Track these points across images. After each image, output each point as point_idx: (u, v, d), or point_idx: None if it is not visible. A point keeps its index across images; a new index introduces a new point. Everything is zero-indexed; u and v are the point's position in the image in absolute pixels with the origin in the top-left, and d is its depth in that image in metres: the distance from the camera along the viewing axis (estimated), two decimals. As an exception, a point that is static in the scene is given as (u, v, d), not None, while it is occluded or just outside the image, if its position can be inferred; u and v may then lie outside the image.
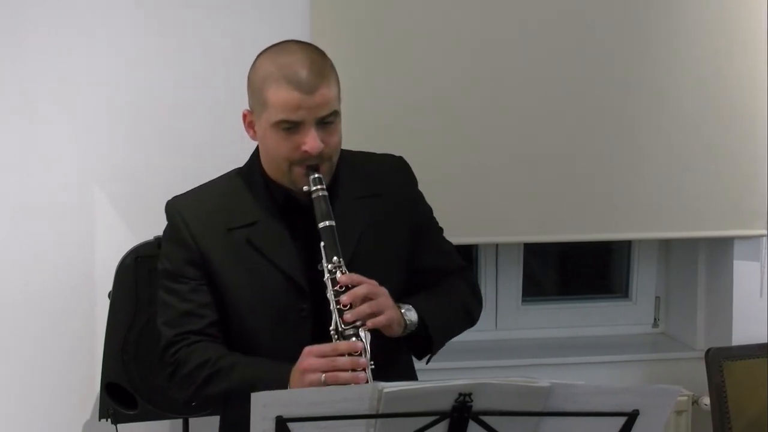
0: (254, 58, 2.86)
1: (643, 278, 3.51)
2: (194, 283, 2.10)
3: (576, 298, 3.56)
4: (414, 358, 2.27)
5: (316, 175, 2.02)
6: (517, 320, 3.42)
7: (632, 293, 3.53)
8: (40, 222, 2.84)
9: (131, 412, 2.68)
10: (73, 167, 2.85)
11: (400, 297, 2.09)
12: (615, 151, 3.05)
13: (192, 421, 2.78)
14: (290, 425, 1.63)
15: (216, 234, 2.09)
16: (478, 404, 1.66)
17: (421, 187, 2.29)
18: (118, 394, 2.67)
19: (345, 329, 1.94)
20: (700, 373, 3.02)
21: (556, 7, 2.98)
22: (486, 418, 1.68)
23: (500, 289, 3.39)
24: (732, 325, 3.21)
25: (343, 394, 1.68)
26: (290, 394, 1.71)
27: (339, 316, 1.94)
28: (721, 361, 2.98)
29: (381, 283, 2.01)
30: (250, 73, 2.10)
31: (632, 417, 1.73)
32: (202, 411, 2.70)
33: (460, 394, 1.65)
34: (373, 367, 1.92)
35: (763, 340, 3.11)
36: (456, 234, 2.37)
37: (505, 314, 3.42)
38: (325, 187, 2.03)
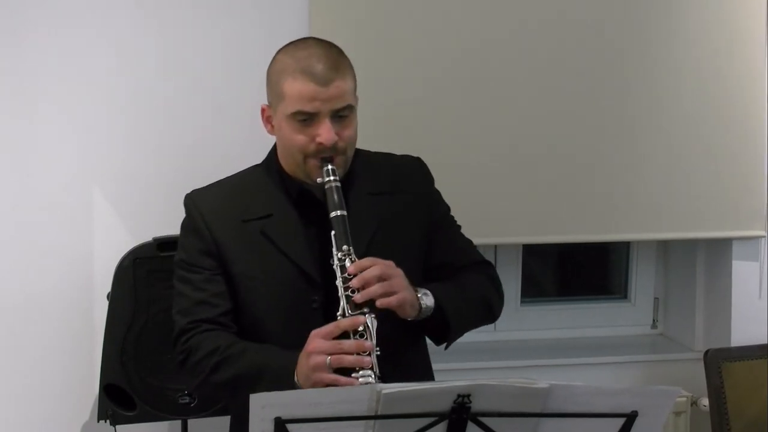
0: (254, 58, 2.89)
1: (642, 279, 3.51)
2: (208, 273, 2.14)
3: (575, 299, 3.56)
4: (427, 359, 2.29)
5: (330, 167, 2.06)
6: (516, 321, 3.42)
7: (631, 294, 3.53)
8: (40, 222, 2.84)
9: (130, 414, 2.68)
10: (72, 168, 2.85)
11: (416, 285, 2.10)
12: (614, 152, 3.05)
13: (191, 422, 2.78)
14: (289, 426, 1.63)
15: (231, 225, 2.13)
16: (476, 405, 1.66)
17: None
18: (116, 396, 2.67)
19: (352, 315, 1.96)
20: (698, 374, 3.02)
21: (555, 8, 2.98)
22: (485, 419, 1.68)
23: (499, 290, 3.39)
24: (731, 326, 3.22)
25: (342, 395, 1.68)
26: (289, 395, 1.71)
27: (346, 302, 1.97)
28: (719, 362, 2.98)
29: None
30: (269, 67, 2.14)
31: (631, 418, 1.73)
32: (202, 412, 2.71)
33: (459, 395, 1.65)
34: (378, 353, 1.93)
35: (762, 341, 3.11)
36: (455, 235, 2.36)
37: (504, 315, 3.34)
38: (338, 178, 2.06)
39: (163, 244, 2.67)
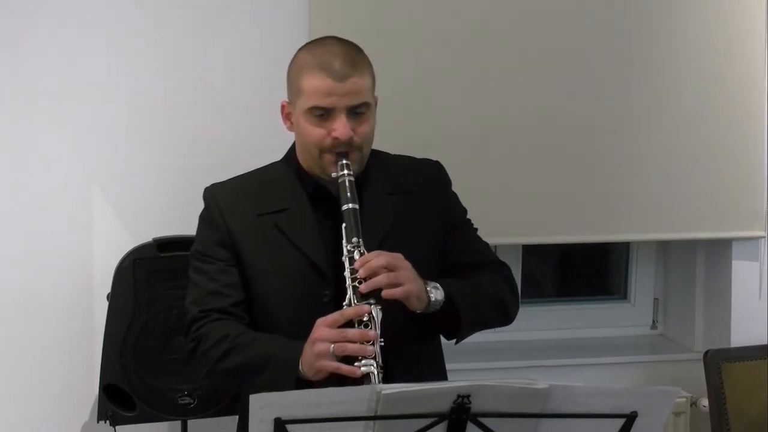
0: (253, 57, 2.90)
1: (642, 280, 3.51)
2: (222, 263, 2.17)
3: (574, 299, 3.56)
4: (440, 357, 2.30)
5: (344, 161, 2.09)
6: (516, 321, 3.39)
7: (631, 295, 3.53)
8: (40, 223, 2.84)
9: (130, 414, 2.68)
10: (72, 168, 2.85)
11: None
12: (613, 153, 3.05)
13: (191, 422, 2.78)
14: (289, 427, 1.63)
15: (247, 218, 2.17)
16: (476, 406, 1.66)
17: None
18: (116, 396, 2.67)
19: (358, 304, 1.98)
20: (698, 374, 3.02)
21: (555, 8, 2.98)
22: (484, 420, 1.68)
23: (499, 291, 3.39)
24: (730, 327, 3.21)
25: (342, 396, 1.68)
26: (289, 395, 1.71)
27: (353, 293, 1.99)
28: (719, 362, 2.98)
29: None
30: (289, 64, 2.19)
31: (631, 418, 1.73)
32: (202, 412, 2.71)
33: (459, 396, 1.65)
34: (382, 343, 1.95)
35: (762, 342, 3.11)
36: (455, 235, 2.36)
37: (504, 315, 3.41)
38: (352, 173, 2.09)
39: (163, 244, 2.68)
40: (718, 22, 3.06)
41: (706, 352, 3.01)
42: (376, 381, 1.91)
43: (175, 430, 2.87)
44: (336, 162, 2.10)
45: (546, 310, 3.48)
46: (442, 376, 2.27)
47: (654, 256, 3.50)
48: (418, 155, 2.35)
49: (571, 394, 1.70)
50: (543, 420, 1.71)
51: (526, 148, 3.00)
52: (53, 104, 2.82)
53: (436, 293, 2.08)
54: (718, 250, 3.27)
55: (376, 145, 2.26)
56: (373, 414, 1.64)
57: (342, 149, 2.09)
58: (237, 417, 2.30)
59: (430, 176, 2.31)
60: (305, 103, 2.10)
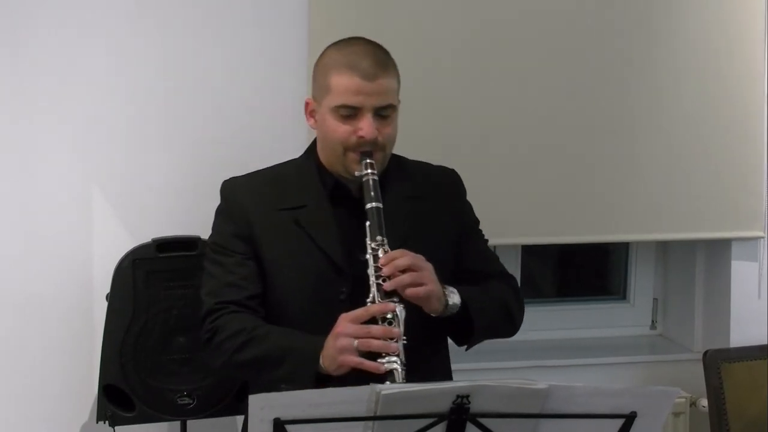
0: (253, 57, 2.90)
1: (641, 280, 3.51)
2: (239, 256, 2.17)
3: (574, 299, 3.56)
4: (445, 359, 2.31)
5: (369, 161, 2.10)
6: (516, 321, 3.42)
7: (630, 295, 3.53)
8: (39, 223, 2.84)
9: (129, 415, 2.68)
10: (72, 168, 2.85)
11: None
12: (613, 153, 3.05)
13: (190, 423, 2.78)
14: (288, 427, 1.63)
15: (266, 212, 2.18)
16: (475, 406, 1.66)
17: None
18: (115, 397, 2.67)
19: (382, 302, 1.98)
20: (698, 374, 3.02)
21: (555, 8, 2.98)
22: (484, 420, 1.68)
23: (498, 291, 3.39)
24: (730, 327, 3.22)
25: (342, 396, 1.67)
26: (288, 395, 1.71)
27: (377, 290, 2.00)
28: (719, 362, 2.98)
29: None
30: (316, 61, 2.20)
31: (630, 419, 1.73)
32: (201, 413, 2.71)
33: (458, 396, 1.65)
34: (405, 342, 1.96)
35: (761, 342, 3.11)
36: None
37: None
38: (376, 171, 2.10)
39: (162, 245, 2.68)
40: (718, 22, 3.06)
41: (706, 352, 3.01)
42: (400, 378, 1.91)
43: (175, 430, 2.87)
44: (360, 161, 2.11)
45: (545, 310, 3.48)
46: (448, 377, 2.28)
47: (653, 256, 3.50)
48: (418, 155, 2.35)
49: (571, 394, 1.70)
50: (542, 420, 1.71)
51: (526, 148, 3.00)
52: (53, 104, 2.82)
53: (453, 297, 2.10)
54: (718, 251, 3.27)
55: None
56: (372, 414, 1.64)
57: (367, 148, 2.11)
58: (236, 417, 2.31)
59: (447, 184, 2.33)
60: (333, 100, 2.11)
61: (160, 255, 2.67)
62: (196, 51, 2.88)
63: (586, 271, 3.70)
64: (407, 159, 2.33)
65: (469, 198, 2.38)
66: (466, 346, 2.21)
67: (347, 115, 2.10)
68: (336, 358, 1.95)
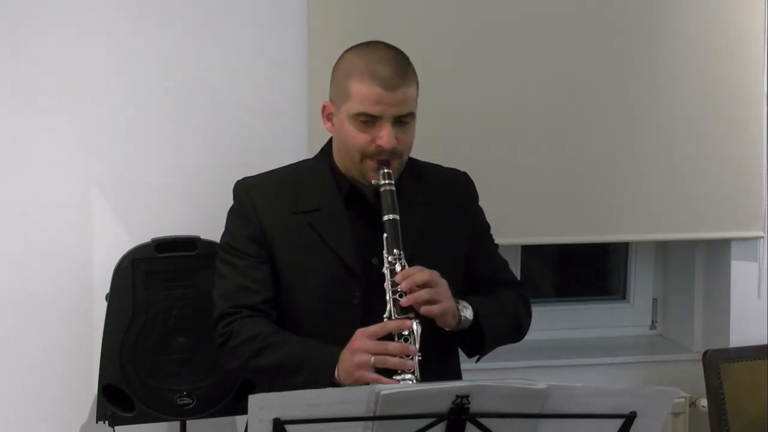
0: (252, 58, 2.90)
1: (641, 280, 3.51)
2: (253, 259, 2.17)
3: (573, 299, 3.56)
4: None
5: (386, 170, 2.10)
6: (515, 322, 3.42)
7: (630, 295, 3.53)
8: (39, 223, 2.84)
9: (128, 415, 2.67)
10: (71, 168, 2.85)
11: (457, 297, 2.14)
12: (613, 153, 3.05)
13: (190, 423, 2.78)
14: (288, 427, 1.63)
15: (280, 215, 2.18)
16: (475, 406, 1.66)
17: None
18: (115, 397, 2.67)
19: (399, 318, 1.99)
20: (697, 374, 3.02)
21: (555, 8, 2.98)
22: (483, 420, 1.68)
23: (498, 291, 3.39)
24: (729, 327, 3.21)
25: (341, 396, 1.68)
26: (288, 396, 1.72)
27: (393, 305, 2.00)
28: (718, 362, 2.98)
29: None
30: (335, 65, 2.19)
31: (630, 419, 1.73)
32: (201, 413, 2.71)
33: (458, 396, 1.65)
34: (420, 357, 1.97)
35: (761, 342, 3.11)
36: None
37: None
38: (393, 182, 2.10)
39: (161, 245, 2.68)
40: (718, 22, 3.06)
41: (705, 353, 3.01)
42: None
43: (174, 430, 2.87)
44: (378, 170, 2.11)
45: (545, 310, 3.48)
46: None
47: (653, 256, 3.50)
48: (418, 155, 2.34)
49: (570, 394, 1.70)
50: (542, 420, 1.71)
51: (526, 148, 3.00)
52: (53, 104, 2.82)
53: (466, 312, 2.11)
54: (717, 251, 3.27)
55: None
56: (372, 414, 1.64)
57: (384, 157, 2.11)
58: (236, 417, 2.31)
59: (459, 188, 2.33)
60: (352, 108, 2.10)
61: (160, 255, 2.67)
62: (196, 51, 2.88)
63: (585, 271, 3.70)
64: (420, 161, 2.32)
65: (469, 198, 2.38)
66: (476, 358, 2.23)
67: (366, 121, 2.09)
68: (352, 373, 1.96)
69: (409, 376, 1.94)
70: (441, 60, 2.92)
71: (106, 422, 2.67)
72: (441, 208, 2.25)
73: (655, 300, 3.52)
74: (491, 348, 2.21)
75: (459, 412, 1.66)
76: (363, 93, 2.08)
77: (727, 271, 3.23)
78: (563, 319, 3.48)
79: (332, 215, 2.18)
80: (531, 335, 3.39)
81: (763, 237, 3.17)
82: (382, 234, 2.07)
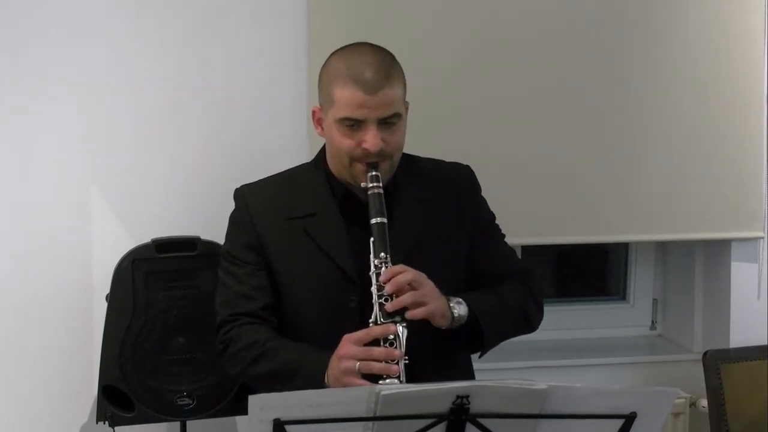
0: (252, 58, 2.90)
1: (641, 280, 3.51)
2: (251, 267, 2.19)
3: (573, 300, 3.56)
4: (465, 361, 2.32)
5: (374, 173, 2.10)
6: (515, 322, 3.41)
7: (630, 295, 3.53)
8: (39, 223, 2.84)
9: (128, 415, 2.68)
10: (71, 168, 2.85)
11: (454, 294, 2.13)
12: (612, 153, 3.05)
13: (190, 423, 2.78)
14: (288, 427, 1.63)
15: (276, 222, 2.19)
16: (475, 406, 1.66)
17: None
18: (115, 397, 2.67)
19: (384, 323, 2.00)
20: (697, 375, 3.02)
21: (555, 8, 2.98)
22: (483, 421, 1.68)
23: (498, 291, 3.39)
24: (729, 328, 3.21)
25: (341, 396, 1.68)
26: (288, 396, 1.72)
27: (379, 309, 2.01)
28: (718, 363, 2.98)
29: (437, 283, 2.07)
30: (321, 70, 2.20)
31: (630, 419, 1.73)
32: (201, 413, 2.71)
33: (458, 397, 1.65)
34: (407, 361, 1.97)
35: (761, 342, 3.11)
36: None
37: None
38: (381, 185, 2.10)
39: (161, 245, 2.68)
40: (718, 22, 3.06)
41: (705, 353, 3.01)
42: None
43: (174, 430, 2.87)
44: (366, 172, 2.11)
45: (545, 310, 3.45)
46: None
47: (653, 256, 3.50)
48: (418, 155, 2.35)
49: (570, 394, 1.70)
50: (542, 421, 1.71)
51: (526, 149, 3.00)
52: (53, 104, 2.82)
53: (460, 308, 2.10)
54: (717, 251, 3.27)
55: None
56: (372, 415, 1.64)
57: (372, 159, 2.11)
58: (236, 417, 2.31)
59: (460, 182, 2.32)
60: (337, 113, 2.11)
61: (160, 255, 2.67)
62: (196, 51, 2.88)
63: (585, 272, 3.70)
64: (420, 157, 2.32)
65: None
66: (480, 354, 2.22)
67: (351, 125, 2.10)
68: (341, 380, 1.97)
69: (394, 381, 1.94)
70: (441, 60, 2.93)
71: (106, 422, 2.68)
72: (440, 205, 2.24)
73: (655, 300, 3.52)
74: (494, 343, 2.21)
75: (459, 413, 1.66)
76: (346, 98, 2.08)
77: (727, 272, 3.23)
78: (563, 319, 3.47)
79: (327, 220, 2.19)
80: (531, 335, 3.41)
81: (763, 237, 3.17)
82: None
